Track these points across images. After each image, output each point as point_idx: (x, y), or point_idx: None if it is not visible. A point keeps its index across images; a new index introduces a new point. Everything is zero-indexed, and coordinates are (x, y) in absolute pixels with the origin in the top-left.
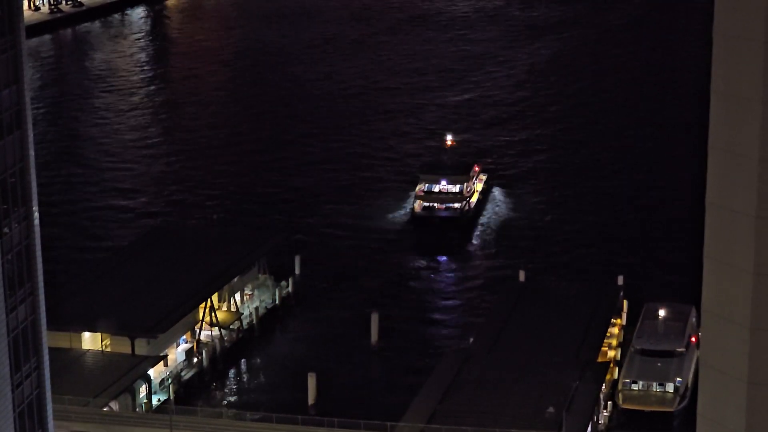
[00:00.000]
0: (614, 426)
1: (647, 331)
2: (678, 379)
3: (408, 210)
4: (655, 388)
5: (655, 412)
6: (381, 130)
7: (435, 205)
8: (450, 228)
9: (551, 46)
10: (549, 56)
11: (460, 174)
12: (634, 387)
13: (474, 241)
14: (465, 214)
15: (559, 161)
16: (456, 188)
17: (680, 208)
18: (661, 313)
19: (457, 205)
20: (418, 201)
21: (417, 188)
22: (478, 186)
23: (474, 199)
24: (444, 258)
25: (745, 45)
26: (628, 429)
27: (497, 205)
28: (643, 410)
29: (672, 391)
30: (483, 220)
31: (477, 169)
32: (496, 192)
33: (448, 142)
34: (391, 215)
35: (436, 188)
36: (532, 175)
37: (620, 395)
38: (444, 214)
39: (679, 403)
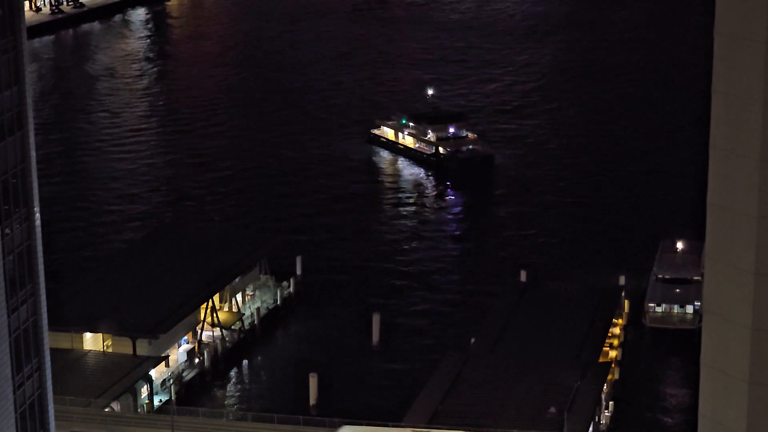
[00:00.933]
0: (615, 427)
1: (666, 262)
2: (696, 302)
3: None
4: (677, 310)
5: (679, 330)
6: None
7: (462, 148)
8: (485, 166)
9: (552, 44)
10: (549, 56)
11: (462, 120)
12: (658, 309)
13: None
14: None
15: (559, 161)
16: (464, 133)
17: (681, 209)
18: (678, 245)
19: (473, 146)
20: (439, 147)
21: (428, 137)
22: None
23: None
24: (445, 251)
25: (745, 44)
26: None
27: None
28: (667, 328)
29: (692, 312)
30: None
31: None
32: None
33: (429, 93)
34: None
35: (445, 135)
36: (533, 176)
37: (647, 316)
38: (468, 156)
39: (700, 322)
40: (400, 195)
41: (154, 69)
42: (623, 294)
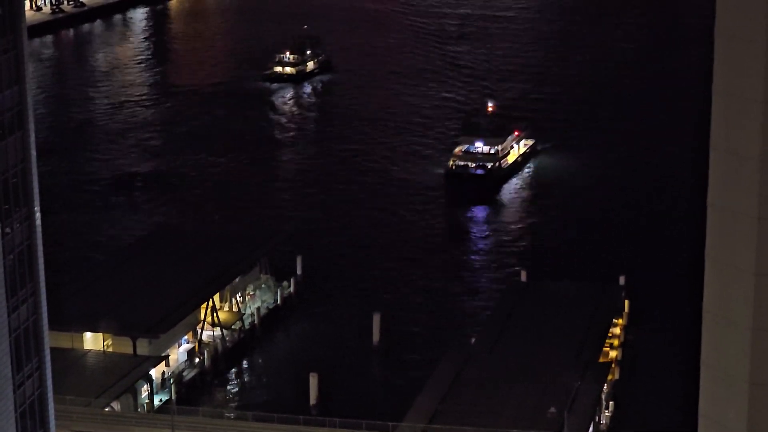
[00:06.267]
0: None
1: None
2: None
3: (444, 169)
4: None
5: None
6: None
7: (469, 163)
8: (479, 184)
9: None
10: (550, 56)
11: (496, 137)
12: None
13: (501, 196)
14: (496, 172)
15: (559, 161)
16: (490, 149)
17: (682, 209)
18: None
19: (489, 164)
20: (453, 159)
21: (456, 149)
22: (521, 149)
23: (510, 160)
24: (446, 250)
25: (746, 45)
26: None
27: (532, 169)
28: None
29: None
30: (514, 180)
31: (517, 133)
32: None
33: (490, 108)
34: (423, 179)
35: (473, 149)
36: (532, 176)
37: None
38: (478, 171)
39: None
40: (401, 196)
41: (155, 68)
42: (623, 294)
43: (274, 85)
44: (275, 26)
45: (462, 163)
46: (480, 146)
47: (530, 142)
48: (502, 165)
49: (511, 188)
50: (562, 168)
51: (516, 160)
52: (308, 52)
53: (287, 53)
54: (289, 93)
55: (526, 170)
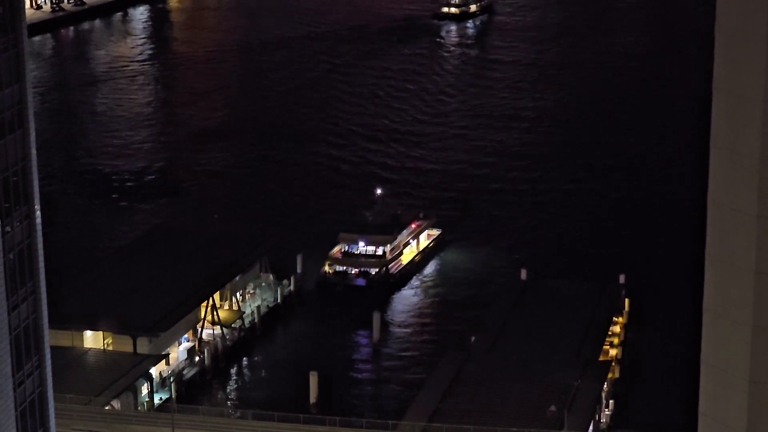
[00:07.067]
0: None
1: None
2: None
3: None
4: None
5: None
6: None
7: (348, 269)
8: (359, 297)
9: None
10: (539, 52)
11: (384, 233)
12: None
13: (388, 313)
14: (382, 280)
15: (559, 160)
16: (376, 250)
17: (681, 207)
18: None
19: (373, 270)
20: (328, 263)
21: (333, 249)
22: (421, 244)
23: (405, 260)
24: (445, 249)
25: (747, 43)
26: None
27: (439, 266)
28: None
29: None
30: (406, 289)
31: (414, 226)
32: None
33: (377, 192)
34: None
35: (355, 250)
36: (533, 175)
37: None
38: (358, 281)
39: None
40: (401, 192)
41: (154, 67)
42: (623, 292)
43: (440, 22)
44: (273, 24)
45: (340, 268)
46: (363, 246)
47: (435, 233)
48: (391, 270)
49: (402, 300)
50: (475, 260)
51: (413, 259)
52: None
53: None
54: (452, 28)
55: (428, 271)
